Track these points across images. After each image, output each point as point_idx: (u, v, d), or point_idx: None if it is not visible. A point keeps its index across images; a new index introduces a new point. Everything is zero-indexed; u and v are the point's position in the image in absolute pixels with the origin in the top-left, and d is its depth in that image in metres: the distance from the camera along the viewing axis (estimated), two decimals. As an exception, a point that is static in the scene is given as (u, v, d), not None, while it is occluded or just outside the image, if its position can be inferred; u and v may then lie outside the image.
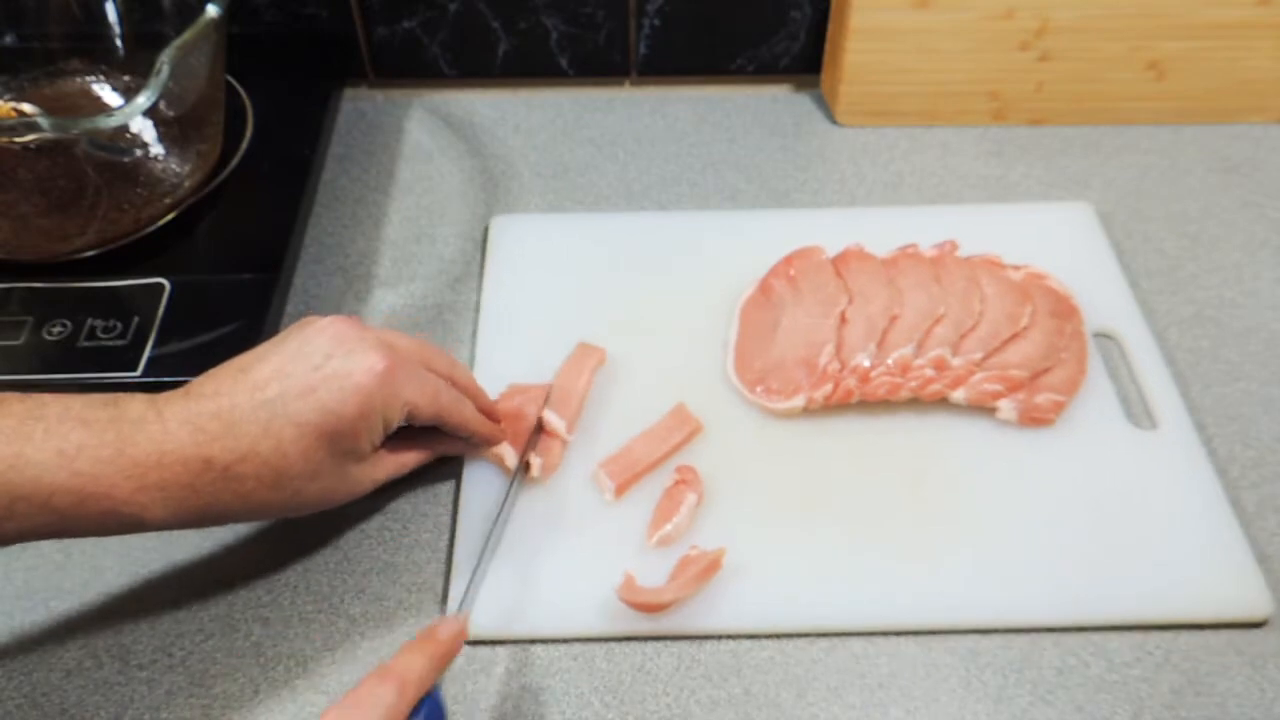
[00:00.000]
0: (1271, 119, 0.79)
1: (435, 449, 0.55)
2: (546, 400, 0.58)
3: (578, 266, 0.68)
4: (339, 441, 0.47)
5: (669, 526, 0.53)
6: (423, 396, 0.50)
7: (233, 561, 0.55)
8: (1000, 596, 0.52)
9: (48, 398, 0.44)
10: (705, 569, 0.51)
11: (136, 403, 0.45)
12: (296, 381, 0.46)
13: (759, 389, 0.60)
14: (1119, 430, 0.59)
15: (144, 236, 0.63)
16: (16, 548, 0.55)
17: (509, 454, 0.56)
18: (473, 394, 0.55)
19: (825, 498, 0.56)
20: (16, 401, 0.43)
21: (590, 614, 0.52)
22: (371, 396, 0.47)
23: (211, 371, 0.48)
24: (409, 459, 0.54)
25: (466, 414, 0.53)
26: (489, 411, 0.56)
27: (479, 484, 0.57)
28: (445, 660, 0.43)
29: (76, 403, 0.44)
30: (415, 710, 0.41)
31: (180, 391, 0.47)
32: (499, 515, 0.54)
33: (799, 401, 0.58)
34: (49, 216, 0.60)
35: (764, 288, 0.64)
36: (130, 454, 0.43)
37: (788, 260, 0.65)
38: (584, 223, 0.71)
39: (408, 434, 0.53)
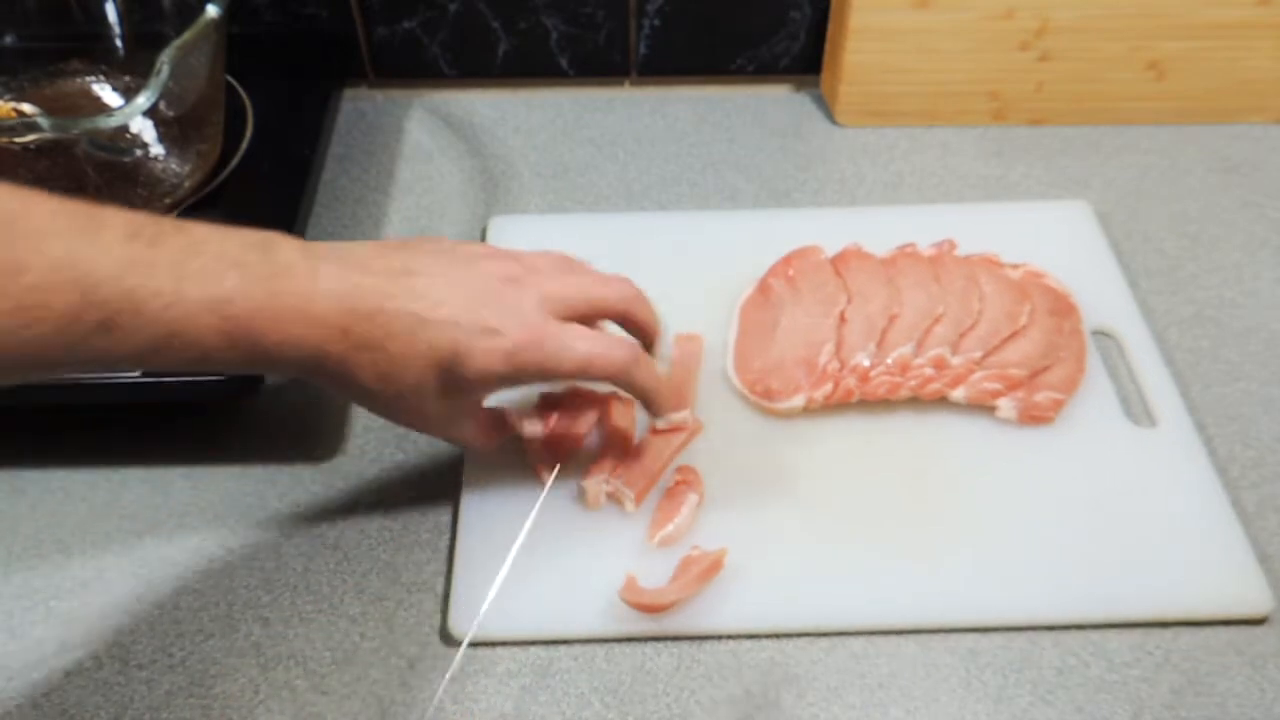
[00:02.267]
0: (1271, 119, 0.79)
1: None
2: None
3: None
4: (459, 388, 0.48)
5: (670, 527, 0.53)
6: (563, 366, 0.49)
7: (233, 561, 0.55)
8: (1000, 595, 0.52)
9: (203, 232, 0.43)
10: (707, 569, 0.51)
11: (288, 249, 0.45)
12: (447, 308, 0.47)
13: (759, 389, 0.60)
14: (1118, 429, 0.59)
15: (144, 236, 0.63)
16: (17, 547, 0.55)
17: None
18: (651, 336, 0.55)
19: (825, 497, 0.56)
20: (174, 234, 0.42)
21: (590, 614, 0.52)
22: (504, 363, 0.47)
23: (368, 248, 0.48)
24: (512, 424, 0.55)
25: (641, 380, 0.52)
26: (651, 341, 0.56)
27: (479, 484, 0.57)
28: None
29: (231, 242, 0.43)
30: None
31: (333, 253, 0.46)
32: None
33: (799, 401, 0.58)
34: (49, 216, 0.60)
35: (763, 288, 0.64)
36: (279, 302, 0.43)
37: (787, 260, 0.65)
38: (584, 223, 0.71)
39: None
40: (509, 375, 0.48)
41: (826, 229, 0.67)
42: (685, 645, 0.52)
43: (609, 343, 0.50)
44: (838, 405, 0.59)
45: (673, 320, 0.64)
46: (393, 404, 0.49)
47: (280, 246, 0.45)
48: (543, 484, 0.55)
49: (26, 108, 0.67)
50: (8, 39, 0.71)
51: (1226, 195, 0.74)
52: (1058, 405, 0.59)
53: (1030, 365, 0.59)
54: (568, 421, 0.57)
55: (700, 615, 0.52)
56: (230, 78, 0.70)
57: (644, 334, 0.54)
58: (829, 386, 0.58)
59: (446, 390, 0.48)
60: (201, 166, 0.66)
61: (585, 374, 0.49)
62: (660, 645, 0.52)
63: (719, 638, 0.52)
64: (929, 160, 0.77)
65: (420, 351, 0.46)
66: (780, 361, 0.60)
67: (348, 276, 0.45)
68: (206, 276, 0.42)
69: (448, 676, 0.50)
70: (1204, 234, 0.71)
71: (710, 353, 0.62)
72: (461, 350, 0.46)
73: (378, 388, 0.47)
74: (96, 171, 0.60)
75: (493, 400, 0.53)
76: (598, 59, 0.81)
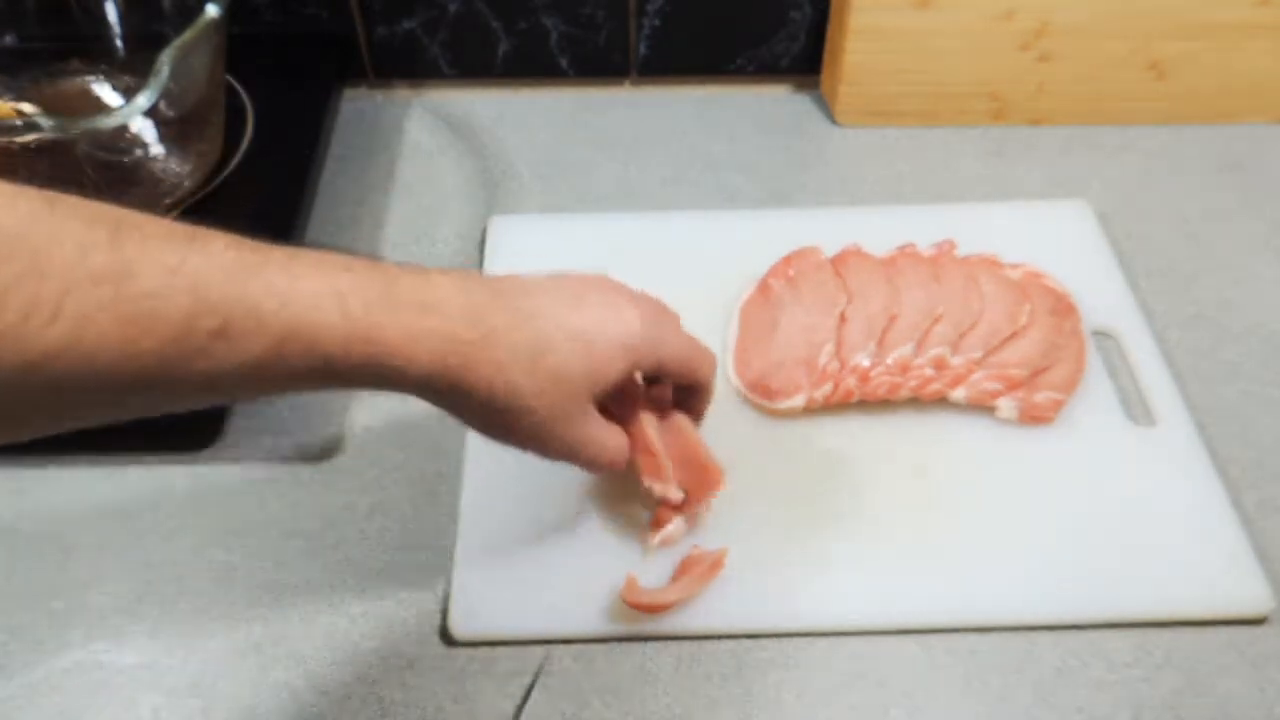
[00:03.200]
0: (1271, 119, 0.79)
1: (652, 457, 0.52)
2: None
3: (577, 267, 0.67)
4: (581, 396, 0.46)
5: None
6: (679, 351, 0.49)
7: (233, 561, 0.55)
8: (1000, 595, 0.52)
9: (305, 250, 0.40)
10: (707, 569, 0.51)
11: (394, 266, 0.43)
12: (571, 313, 0.46)
13: (759, 389, 0.60)
14: (1118, 428, 0.59)
15: (144, 236, 0.63)
16: (18, 546, 0.55)
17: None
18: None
19: (825, 497, 0.56)
20: (275, 250, 0.39)
21: (590, 614, 0.52)
22: (634, 337, 0.47)
23: (474, 275, 0.46)
24: (620, 440, 0.50)
25: (712, 379, 0.52)
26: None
27: (479, 484, 0.57)
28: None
29: (332, 253, 0.41)
30: None
31: (444, 271, 0.44)
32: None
33: (799, 401, 0.58)
34: (49, 216, 0.60)
35: (763, 288, 0.64)
36: (397, 296, 0.41)
37: (787, 260, 0.65)
38: (583, 223, 0.71)
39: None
40: (641, 350, 0.47)
41: (826, 229, 0.67)
42: (685, 645, 0.52)
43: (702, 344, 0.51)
44: (838, 405, 0.59)
45: (673, 320, 0.64)
46: (519, 418, 0.45)
47: (382, 259, 0.43)
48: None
49: (26, 108, 0.67)
50: (8, 39, 0.71)
51: (1226, 195, 0.74)
52: (1058, 405, 0.59)
53: (1030, 365, 0.59)
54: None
55: (700, 615, 0.52)
56: (230, 78, 0.70)
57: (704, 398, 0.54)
58: (829, 386, 0.58)
59: (573, 394, 0.46)
60: (201, 166, 0.66)
61: (690, 363, 0.50)
62: (660, 645, 0.52)
63: (719, 638, 0.52)
64: (929, 160, 0.77)
65: (549, 347, 0.44)
66: (780, 361, 0.60)
67: (467, 292, 0.43)
68: (319, 274, 0.39)
69: (447, 676, 0.50)
70: (1204, 234, 0.71)
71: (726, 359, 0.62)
72: (591, 335, 0.45)
73: (504, 399, 0.44)
74: (96, 171, 0.60)
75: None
76: (598, 59, 0.81)
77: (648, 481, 0.51)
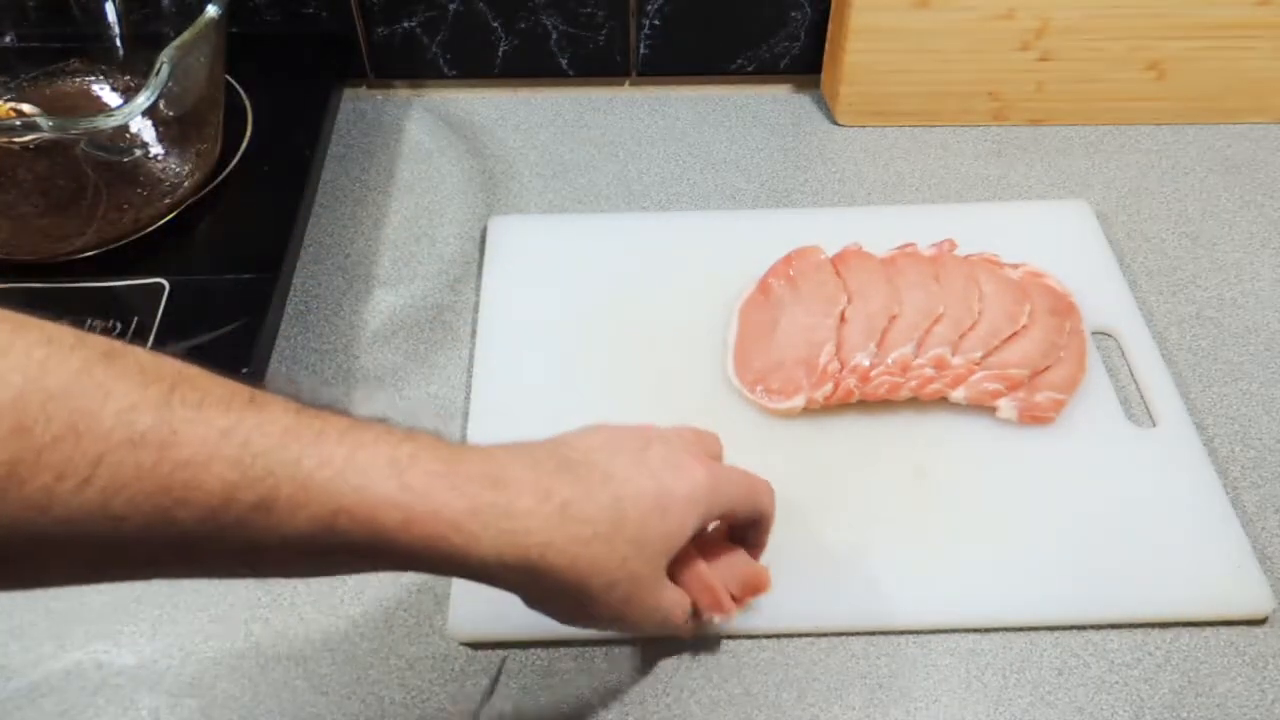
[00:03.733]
0: (1271, 119, 0.79)
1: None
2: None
3: (577, 267, 0.68)
4: (661, 557, 0.44)
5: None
6: (740, 491, 0.47)
7: (232, 561, 0.55)
8: (1000, 595, 0.52)
9: (369, 420, 0.38)
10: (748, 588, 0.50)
11: (450, 440, 0.40)
12: (637, 487, 0.43)
13: (759, 389, 0.60)
14: (1118, 429, 0.59)
15: (143, 237, 0.63)
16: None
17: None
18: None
19: (825, 497, 0.56)
20: (338, 417, 0.37)
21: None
22: (702, 492, 0.44)
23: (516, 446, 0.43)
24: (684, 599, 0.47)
25: (771, 510, 0.50)
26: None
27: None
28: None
29: (395, 425, 0.39)
30: None
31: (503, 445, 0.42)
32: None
33: (799, 401, 0.58)
34: (48, 217, 0.60)
35: (763, 288, 0.64)
36: (461, 469, 0.38)
37: (787, 260, 0.65)
38: (583, 223, 0.71)
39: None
40: (706, 505, 0.44)
41: (826, 229, 0.67)
42: (685, 645, 0.52)
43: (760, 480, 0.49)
44: (838, 406, 0.59)
45: (673, 320, 0.64)
46: (606, 593, 0.42)
47: (442, 435, 0.40)
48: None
49: (26, 108, 0.67)
50: (8, 39, 0.71)
51: (1226, 195, 0.74)
52: (1058, 405, 0.58)
53: (1030, 365, 0.59)
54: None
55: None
56: (230, 78, 0.70)
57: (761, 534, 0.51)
58: (829, 387, 0.58)
59: (653, 559, 0.43)
60: (201, 166, 0.66)
61: (752, 500, 0.48)
62: (660, 645, 0.52)
63: (719, 638, 0.52)
64: (929, 160, 0.77)
65: (625, 516, 0.42)
66: (780, 361, 0.60)
67: (526, 452, 0.41)
68: (379, 443, 0.36)
69: (447, 676, 0.50)
70: (1204, 234, 0.71)
71: (711, 352, 0.62)
72: (665, 497, 0.43)
73: (588, 575, 0.41)
74: (96, 171, 0.60)
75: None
76: (598, 59, 0.81)
77: (708, 615, 0.48)
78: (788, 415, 0.59)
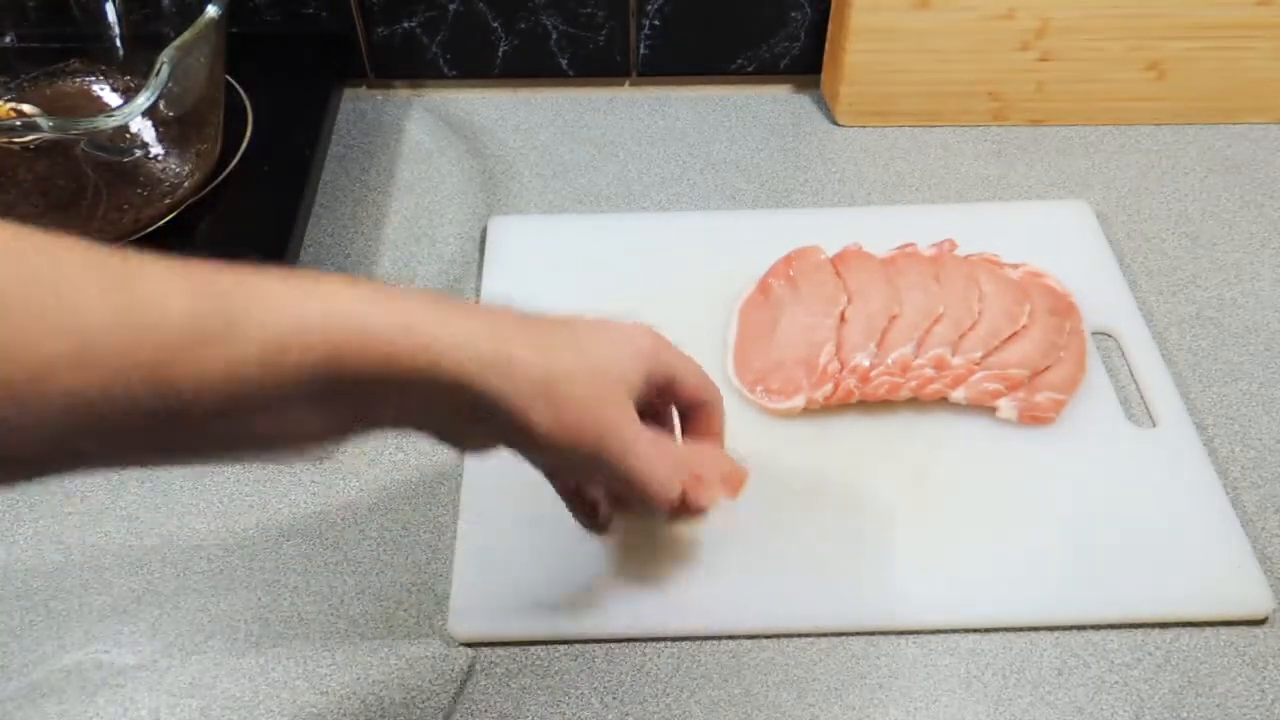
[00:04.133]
0: (1271, 119, 0.79)
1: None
2: None
3: (577, 267, 0.68)
4: (620, 378, 0.44)
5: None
6: (689, 364, 0.48)
7: (233, 561, 0.55)
8: (1000, 596, 0.52)
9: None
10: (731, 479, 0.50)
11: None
12: (584, 348, 0.44)
13: (759, 389, 0.60)
14: (1118, 429, 0.59)
15: (144, 237, 0.63)
16: (17, 548, 0.55)
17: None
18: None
19: (825, 498, 0.56)
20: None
21: (590, 614, 0.52)
22: (642, 353, 0.46)
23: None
24: (667, 449, 0.48)
25: (721, 403, 0.50)
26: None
27: (479, 484, 0.57)
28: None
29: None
30: None
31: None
32: None
33: (799, 401, 0.58)
34: (48, 217, 0.60)
35: (763, 288, 0.64)
36: (419, 301, 0.39)
37: (786, 260, 0.65)
38: (584, 223, 0.71)
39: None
40: (649, 364, 0.46)
41: (826, 229, 0.67)
42: (685, 645, 0.52)
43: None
44: (838, 405, 0.59)
45: (673, 320, 0.64)
46: (566, 397, 0.42)
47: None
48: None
49: (26, 108, 0.67)
50: (8, 39, 0.71)
51: (1226, 195, 0.74)
52: (1058, 406, 0.58)
53: (1031, 365, 0.59)
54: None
55: (700, 615, 0.52)
56: (230, 78, 0.70)
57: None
58: (829, 387, 0.58)
59: (615, 379, 0.44)
60: (201, 166, 0.66)
61: (699, 375, 0.49)
62: (660, 645, 0.52)
63: (719, 638, 0.52)
64: (929, 160, 0.77)
65: (579, 344, 0.43)
66: (780, 362, 0.60)
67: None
68: (337, 280, 0.38)
69: (446, 677, 0.50)
70: (1204, 234, 0.71)
71: (711, 353, 0.62)
72: (613, 331, 0.45)
73: (546, 375, 0.41)
74: (96, 172, 0.60)
75: None
76: (598, 59, 0.81)
77: (692, 498, 0.48)
78: (788, 415, 0.59)
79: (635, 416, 0.45)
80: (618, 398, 0.44)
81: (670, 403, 0.50)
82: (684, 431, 0.51)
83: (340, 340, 0.36)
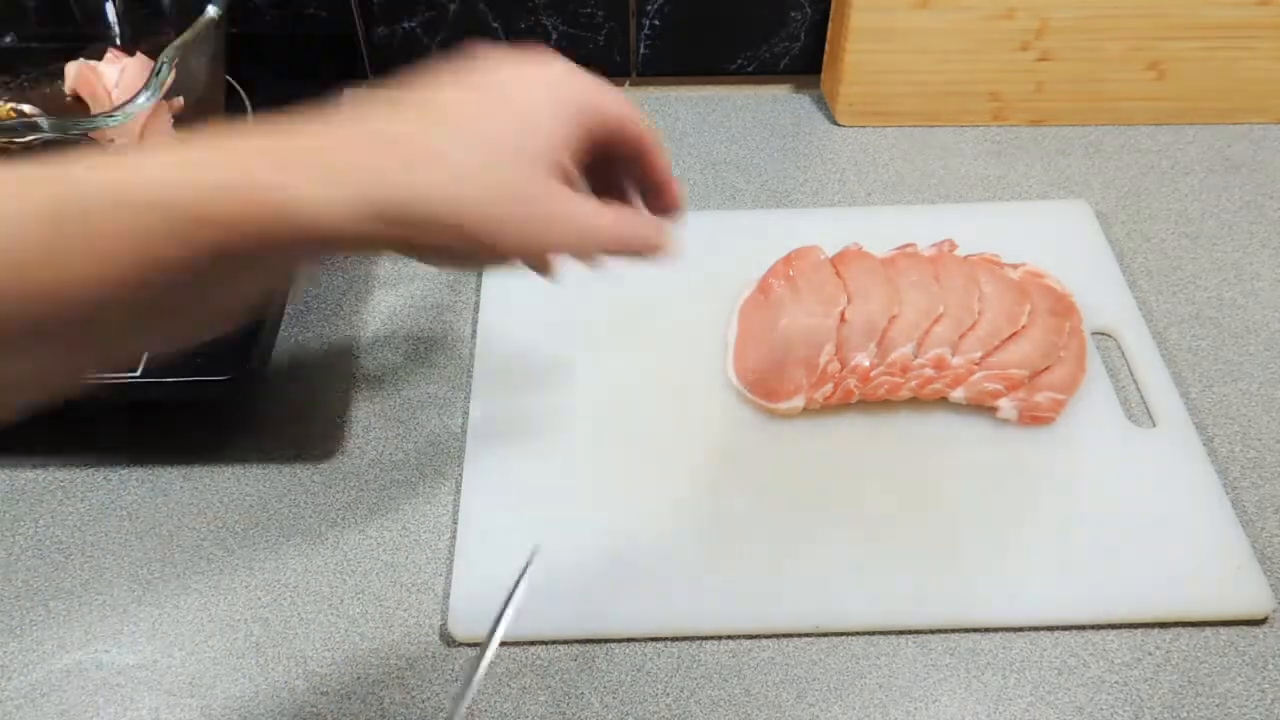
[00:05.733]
0: (1271, 119, 0.79)
1: (629, 219, 0.45)
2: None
3: (575, 267, 0.67)
4: (544, 133, 0.39)
5: None
6: (617, 98, 0.42)
7: (233, 561, 0.55)
8: (1000, 596, 0.52)
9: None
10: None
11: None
12: (485, 102, 0.38)
13: (759, 389, 0.59)
14: (1118, 429, 0.59)
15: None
16: (17, 548, 0.55)
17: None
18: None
19: (825, 498, 0.56)
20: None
21: (590, 614, 0.52)
22: (561, 90, 0.40)
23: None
24: (610, 217, 0.43)
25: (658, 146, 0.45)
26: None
27: (479, 484, 0.57)
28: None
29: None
30: None
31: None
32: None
33: (799, 402, 0.58)
34: (49, 217, 0.60)
35: (763, 288, 0.64)
36: (307, 143, 0.36)
37: (786, 260, 0.65)
38: (584, 223, 0.71)
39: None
40: (574, 101, 0.40)
41: (826, 229, 0.67)
42: (685, 645, 0.52)
43: None
44: (838, 405, 0.59)
45: (673, 319, 0.64)
46: (477, 208, 0.37)
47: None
48: None
49: (26, 108, 0.67)
50: (8, 39, 0.71)
51: (1226, 195, 0.74)
52: (1058, 406, 0.58)
53: (1031, 365, 0.59)
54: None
55: (700, 615, 0.52)
56: (230, 78, 0.70)
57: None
58: (829, 387, 0.58)
59: (528, 159, 0.38)
60: (201, 166, 0.66)
61: (631, 109, 0.42)
62: (660, 645, 0.52)
63: (719, 638, 0.52)
64: (929, 160, 0.77)
65: (477, 112, 0.38)
66: (780, 362, 0.60)
67: (368, 119, 0.38)
68: (210, 144, 0.34)
69: (447, 677, 0.50)
70: (1204, 234, 0.71)
71: (710, 352, 0.62)
72: (522, 104, 0.39)
73: (453, 189, 0.37)
74: (96, 171, 0.60)
75: None
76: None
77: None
78: (788, 415, 0.59)
79: (558, 186, 0.39)
80: (538, 175, 0.39)
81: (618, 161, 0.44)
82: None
83: (230, 211, 0.33)
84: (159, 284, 0.33)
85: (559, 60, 0.41)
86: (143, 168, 0.33)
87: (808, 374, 0.59)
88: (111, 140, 0.58)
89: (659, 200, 0.47)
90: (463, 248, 0.39)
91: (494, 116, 0.38)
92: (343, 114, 0.37)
